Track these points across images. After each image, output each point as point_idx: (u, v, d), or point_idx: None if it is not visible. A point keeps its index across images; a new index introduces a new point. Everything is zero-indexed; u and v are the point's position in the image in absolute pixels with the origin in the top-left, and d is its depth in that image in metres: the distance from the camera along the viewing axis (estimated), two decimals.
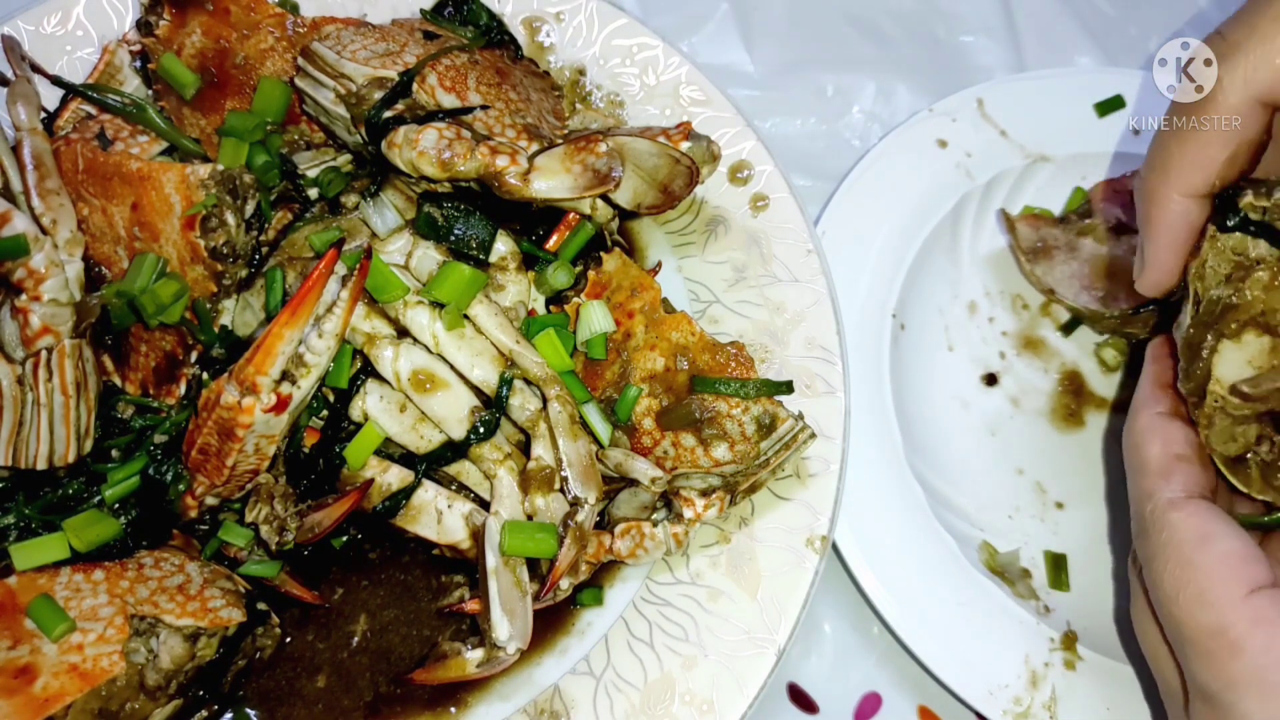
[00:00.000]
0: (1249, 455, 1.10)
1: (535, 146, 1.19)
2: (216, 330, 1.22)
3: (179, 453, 1.14)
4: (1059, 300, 1.48)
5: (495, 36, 1.37)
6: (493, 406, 1.16)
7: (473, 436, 1.15)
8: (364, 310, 1.16)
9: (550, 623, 1.25)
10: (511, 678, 1.23)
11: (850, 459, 1.27)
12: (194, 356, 1.23)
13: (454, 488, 1.21)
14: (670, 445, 1.20)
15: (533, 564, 1.15)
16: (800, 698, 1.36)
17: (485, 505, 1.17)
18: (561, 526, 1.12)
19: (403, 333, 1.17)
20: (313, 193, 1.27)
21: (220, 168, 1.19)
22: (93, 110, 1.32)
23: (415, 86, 1.18)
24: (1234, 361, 1.08)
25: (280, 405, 1.05)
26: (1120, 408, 1.49)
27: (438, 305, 1.15)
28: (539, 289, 1.27)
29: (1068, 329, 1.52)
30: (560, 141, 1.20)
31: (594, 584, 1.26)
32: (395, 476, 1.18)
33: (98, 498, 1.18)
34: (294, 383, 1.06)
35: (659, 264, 1.40)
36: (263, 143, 1.24)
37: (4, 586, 1.07)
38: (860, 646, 1.39)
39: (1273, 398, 1.05)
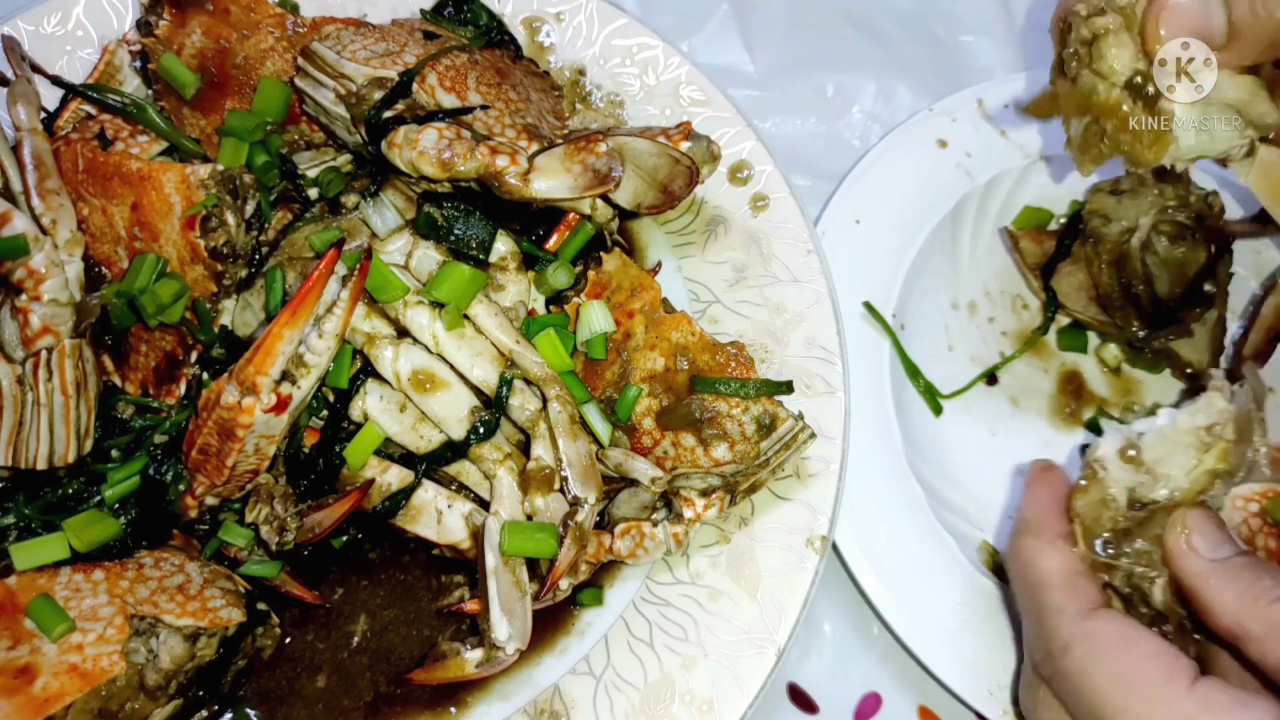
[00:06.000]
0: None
1: (535, 146, 1.19)
2: (216, 330, 1.22)
3: (179, 453, 1.14)
4: (1068, 313, 1.48)
5: (495, 36, 1.37)
6: (493, 406, 1.16)
7: (473, 436, 1.15)
8: (364, 310, 1.15)
9: (550, 623, 1.25)
10: (511, 678, 1.23)
11: (850, 459, 1.27)
12: (194, 356, 1.23)
13: (454, 488, 1.21)
14: (670, 445, 1.20)
15: (533, 564, 1.15)
16: (800, 698, 1.36)
17: (485, 505, 1.17)
18: (561, 526, 1.12)
19: (403, 333, 1.17)
20: (313, 193, 1.27)
21: (220, 168, 1.19)
22: (93, 110, 1.31)
23: (415, 86, 1.18)
24: None
25: (280, 405, 1.05)
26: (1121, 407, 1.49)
27: (438, 305, 1.15)
28: (539, 289, 1.27)
29: (1066, 343, 1.51)
30: (560, 141, 1.20)
31: (594, 584, 1.26)
32: (395, 476, 1.18)
33: (98, 498, 1.18)
34: (294, 383, 1.06)
35: (659, 264, 1.40)
36: (263, 143, 1.24)
37: (4, 586, 1.07)
38: (860, 646, 1.39)
39: None
